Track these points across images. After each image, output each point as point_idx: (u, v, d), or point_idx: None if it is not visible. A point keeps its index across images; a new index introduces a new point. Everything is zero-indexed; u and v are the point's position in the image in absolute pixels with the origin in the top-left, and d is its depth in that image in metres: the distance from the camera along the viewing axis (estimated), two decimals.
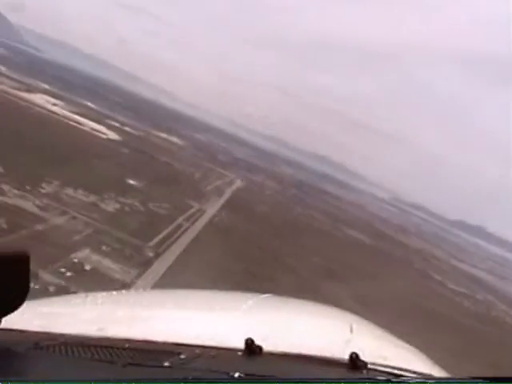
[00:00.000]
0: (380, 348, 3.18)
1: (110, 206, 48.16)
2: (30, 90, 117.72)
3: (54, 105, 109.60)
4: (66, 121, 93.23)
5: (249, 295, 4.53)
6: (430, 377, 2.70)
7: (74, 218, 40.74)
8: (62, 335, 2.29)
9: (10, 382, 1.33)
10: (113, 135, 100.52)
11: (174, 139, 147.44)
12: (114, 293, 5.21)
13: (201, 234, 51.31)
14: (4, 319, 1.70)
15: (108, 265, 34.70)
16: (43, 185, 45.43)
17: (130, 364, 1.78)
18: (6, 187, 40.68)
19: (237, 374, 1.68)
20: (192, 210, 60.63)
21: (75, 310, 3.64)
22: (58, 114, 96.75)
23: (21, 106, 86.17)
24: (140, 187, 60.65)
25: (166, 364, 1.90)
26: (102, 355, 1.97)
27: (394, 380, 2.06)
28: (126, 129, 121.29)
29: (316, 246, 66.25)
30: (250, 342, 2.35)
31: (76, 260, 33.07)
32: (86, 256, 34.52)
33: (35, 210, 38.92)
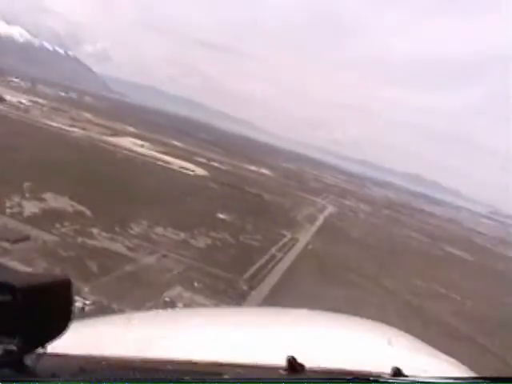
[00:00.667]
0: (420, 361, 3.21)
1: (201, 242, 47.77)
2: (116, 133, 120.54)
3: (141, 146, 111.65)
4: (153, 161, 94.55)
5: (283, 310, 4.72)
6: (438, 376, 2.53)
7: (165, 256, 40.47)
8: (105, 358, 2.25)
9: (10, 382, 1.38)
10: (201, 171, 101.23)
11: (264, 170, 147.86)
12: (151, 313, 5.10)
13: (295, 263, 50.25)
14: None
15: (201, 301, 34.04)
16: (132, 225, 45.54)
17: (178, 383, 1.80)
18: (95, 230, 40.91)
19: None
20: (285, 240, 59.69)
21: (115, 331, 3.56)
22: (144, 155, 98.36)
23: (107, 150, 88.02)
24: (231, 220, 60.28)
25: (214, 381, 1.97)
26: (147, 377, 2.03)
27: None
28: (214, 164, 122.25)
29: (416, 267, 64.16)
30: (292, 360, 2.23)
31: (168, 299, 32.54)
32: (178, 294, 33.99)
33: (125, 251, 38.85)
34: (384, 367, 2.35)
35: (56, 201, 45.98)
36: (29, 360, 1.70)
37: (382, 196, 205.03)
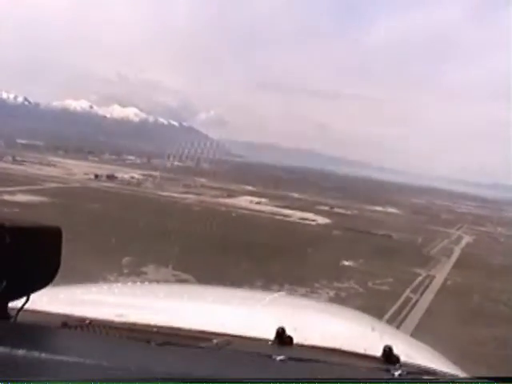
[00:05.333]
0: (404, 348, 2.97)
1: (323, 296, 43.80)
2: (233, 194, 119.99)
3: (258, 203, 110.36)
4: (270, 216, 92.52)
5: (265, 292, 5.87)
6: (446, 376, 2.54)
7: None
8: (88, 318, 2.34)
9: (11, 382, 1.29)
10: (322, 220, 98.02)
11: (390, 209, 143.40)
12: (130, 283, 4.88)
13: (433, 304, 45.35)
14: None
15: None
16: (246, 287, 41.99)
17: (165, 344, 1.76)
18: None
19: (280, 357, 1.63)
20: (419, 279, 54.84)
21: (95, 297, 3.66)
22: (261, 211, 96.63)
23: (220, 211, 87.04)
24: (356, 267, 56.20)
25: (202, 345, 1.97)
26: (134, 335, 2.09)
27: (428, 376, 2.23)
28: (337, 210, 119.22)
29: None
30: (280, 332, 2.30)
31: None
32: None
33: None
34: (375, 348, 2.36)
35: (157, 273, 43.63)
36: (11, 309, 1.71)
37: None
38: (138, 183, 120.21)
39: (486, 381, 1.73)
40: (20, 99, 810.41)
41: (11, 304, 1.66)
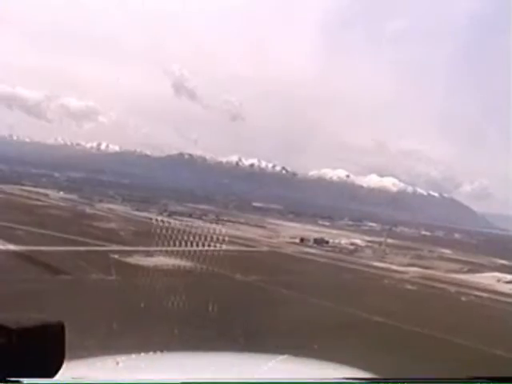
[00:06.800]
0: None
1: None
2: (476, 269, 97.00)
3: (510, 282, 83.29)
4: None
5: (269, 357, 4.92)
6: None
7: None
8: None
9: (10, 382, 1.52)
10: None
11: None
12: (134, 355, 4.96)
13: None
14: None
15: None
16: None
17: None
18: None
19: None
20: None
21: (100, 375, 3.84)
22: None
23: (448, 293, 68.77)
24: None
25: None
26: None
27: None
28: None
29: None
30: None
31: None
32: None
33: None
34: None
35: None
36: None
37: None
38: (353, 251, 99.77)
39: (485, 381, 1.81)
40: (278, 168, 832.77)
41: None
